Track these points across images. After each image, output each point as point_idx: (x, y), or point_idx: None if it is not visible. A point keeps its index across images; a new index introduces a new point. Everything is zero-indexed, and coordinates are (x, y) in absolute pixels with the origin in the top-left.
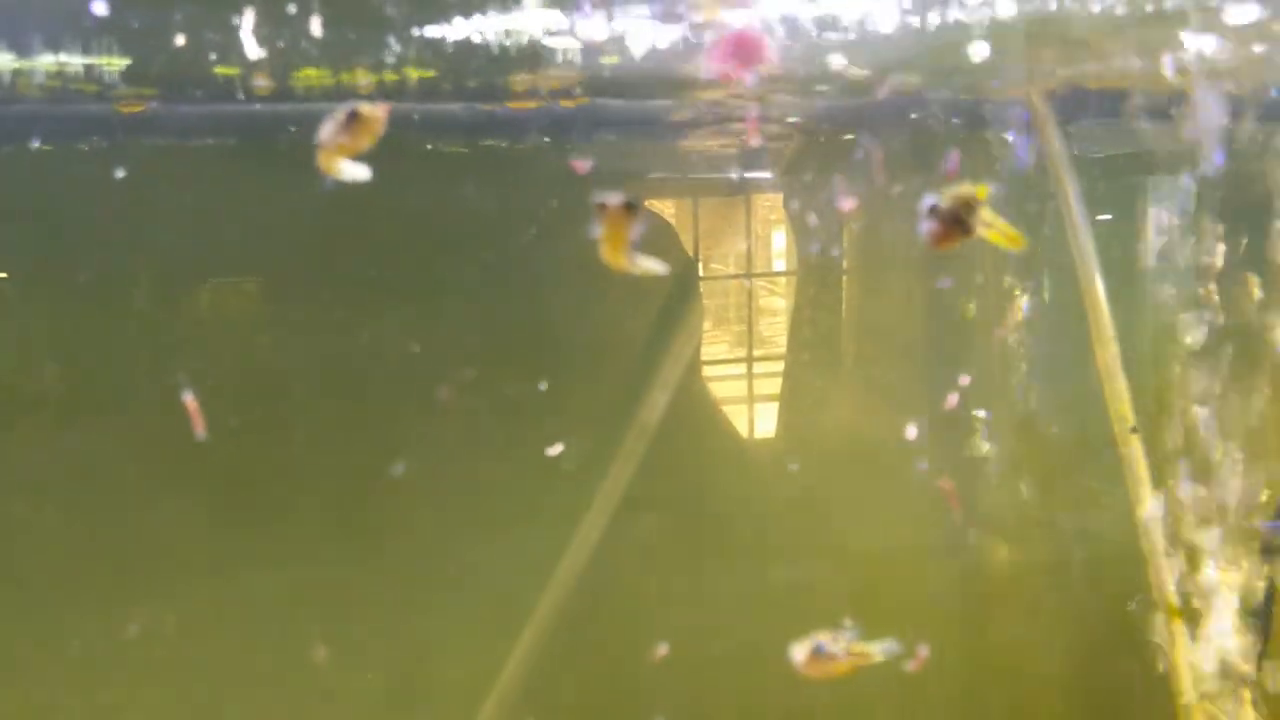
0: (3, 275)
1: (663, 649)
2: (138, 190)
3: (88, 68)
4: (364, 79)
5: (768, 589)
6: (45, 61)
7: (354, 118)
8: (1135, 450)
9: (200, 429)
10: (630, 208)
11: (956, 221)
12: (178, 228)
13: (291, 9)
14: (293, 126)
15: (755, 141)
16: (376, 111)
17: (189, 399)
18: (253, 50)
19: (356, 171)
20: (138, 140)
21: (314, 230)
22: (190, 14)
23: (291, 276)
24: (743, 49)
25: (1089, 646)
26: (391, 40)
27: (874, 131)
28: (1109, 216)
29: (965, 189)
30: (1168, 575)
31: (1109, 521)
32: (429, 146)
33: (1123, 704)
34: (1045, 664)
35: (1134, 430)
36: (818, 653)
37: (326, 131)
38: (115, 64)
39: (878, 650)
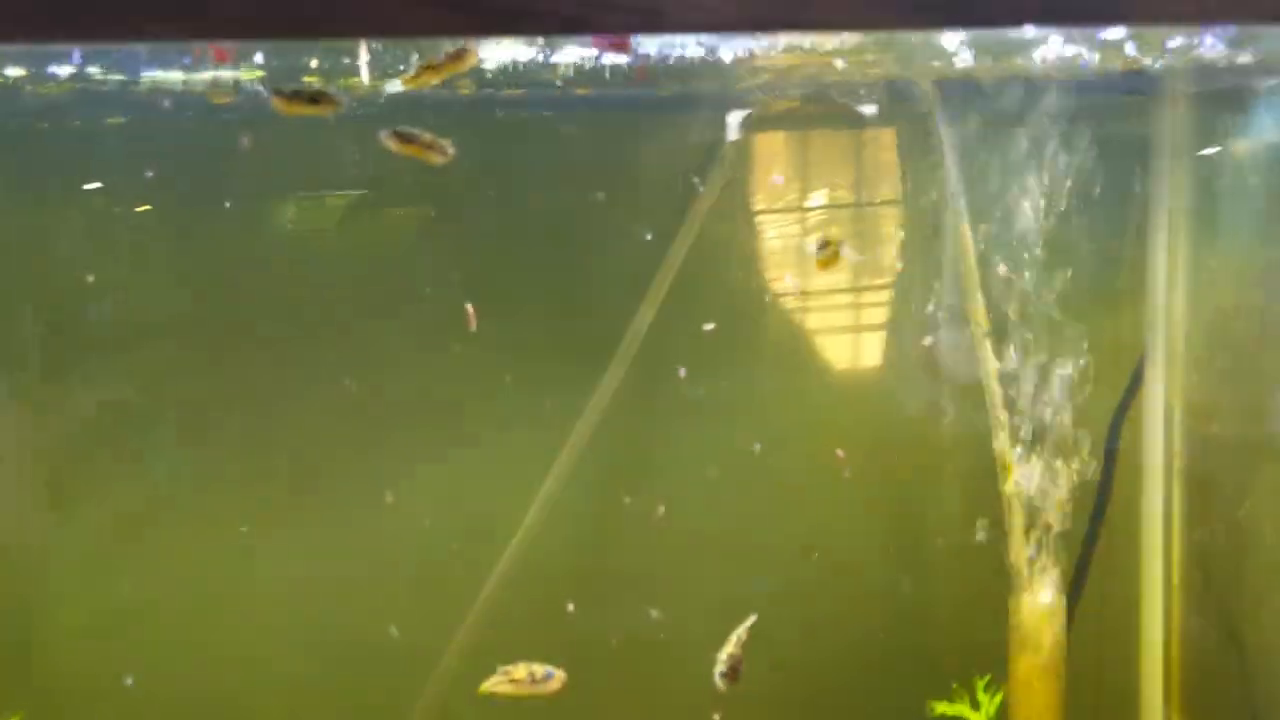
0: None
1: None
2: None
3: None
4: None
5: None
6: None
7: (461, 51)
8: (986, 351)
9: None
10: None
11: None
12: None
13: None
14: None
15: None
16: (474, 48)
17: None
18: None
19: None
20: None
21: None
22: None
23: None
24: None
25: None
26: None
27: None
28: None
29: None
30: (1006, 443)
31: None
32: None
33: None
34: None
35: (987, 335)
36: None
37: (439, 58)
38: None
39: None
